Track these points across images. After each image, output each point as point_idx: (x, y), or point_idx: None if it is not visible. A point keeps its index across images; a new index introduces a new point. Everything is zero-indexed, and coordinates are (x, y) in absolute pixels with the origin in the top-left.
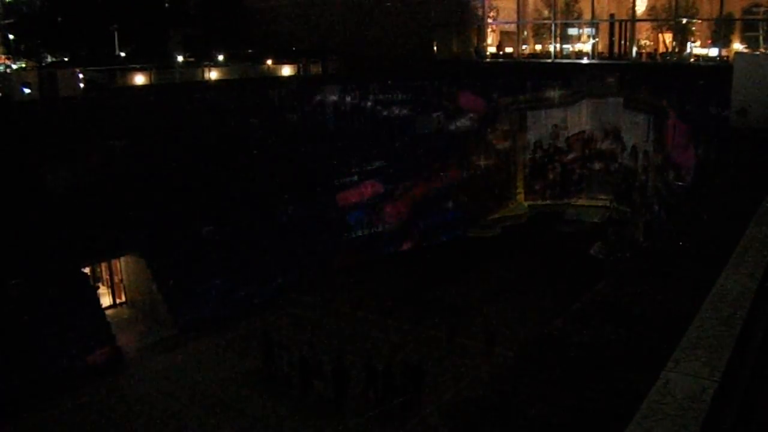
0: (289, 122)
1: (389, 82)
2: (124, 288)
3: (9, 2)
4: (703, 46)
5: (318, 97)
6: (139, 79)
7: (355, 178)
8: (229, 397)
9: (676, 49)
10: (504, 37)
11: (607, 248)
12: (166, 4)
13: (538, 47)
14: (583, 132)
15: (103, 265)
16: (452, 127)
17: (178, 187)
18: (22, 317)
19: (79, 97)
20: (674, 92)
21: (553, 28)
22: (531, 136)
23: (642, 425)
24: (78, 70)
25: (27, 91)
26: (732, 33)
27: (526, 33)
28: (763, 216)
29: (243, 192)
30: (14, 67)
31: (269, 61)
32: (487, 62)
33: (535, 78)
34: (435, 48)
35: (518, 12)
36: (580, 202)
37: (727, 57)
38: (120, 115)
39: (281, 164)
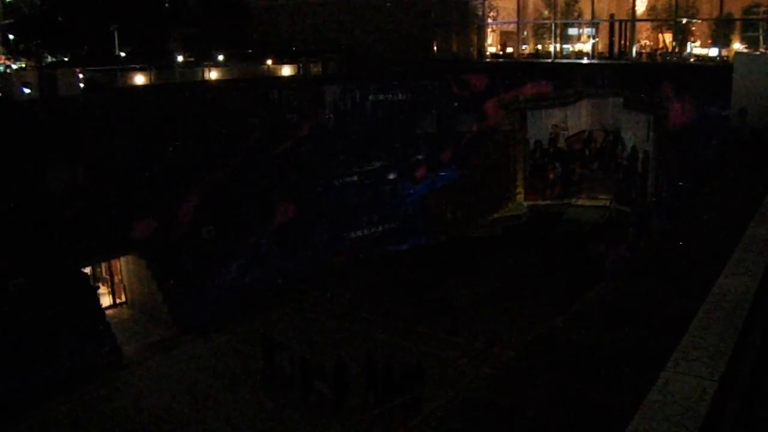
0: (288, 122)
1: (389, 82)
2: (124, 288)
3: (9, 2)
4: (703, 46)
5: (318, 97)
6: (139, 79)
7: (355, 178)
8: (229, 397)
9: (676, 49)
10: (504, 37)
11: (607, 248)
12: (166, 4)
13: (538, 47)
14: (583, 132)
15: (103, 265)
16: (452, 127)
17: (178, 186)
18: (22, 317)
19: (79, 97)
20: (675, 92)
21: (553, 28)
22: (531, 136)
23: (642, 425)
24: (78, 70)
25: (27, 91)
26: (732, 33)
27: (526, 33)
28: (763, 216)
29: (243, 192)
30: (14, 67)
31: (269, 61)
32: (487, 62)
33: (535, 78)
34: (435, 48)
35: (518, 12)
36: (580, 202)
37: (727, 57)
38: (120, 115)
39: (281, 164)
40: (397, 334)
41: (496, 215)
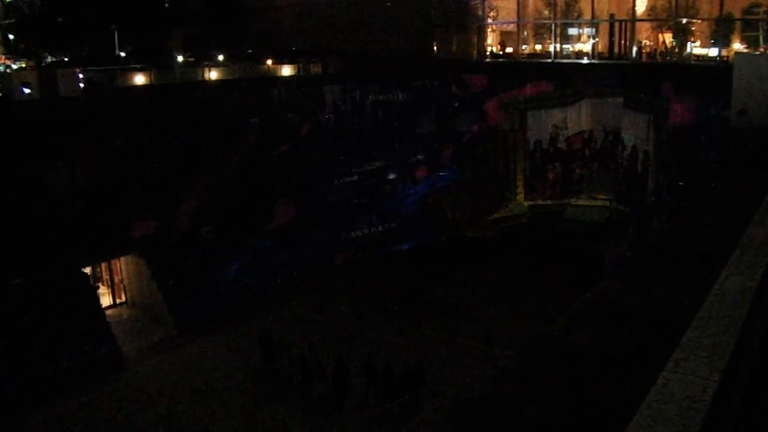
0: (289, 122)
1: (389, 82)
2: (124, 288)
3: (9, 2)
4: (703, 46)
5: (318, 97)
6: (139, 79)
7: (355, 178)
8: (229, 397)
9: (676, 49)
10: (504, 37)
11: (607, 248)
12: (166, 4)
13: (538, 47)
14: (583, 132)
15: (103, 265)
16: (452, 127)
17: (178, 186)
18: (22, 317)
19: (79, 97)
20: (675, 92)
21: (553, 28)
22: (531, 136)
23: (642, 425)
24: (78, 70)
25: (27, 91)
26: (732, 33)
27: (526, 33)
28: (763, 216)
29: (243, 192)
30: (14, 67)
31: (269, 61)
32: (487, 62)
33: (536, 78)
34: (435, 48)
35: (518, 12)
36: (580, 202)
37: (727, 57)
38: (120, 115)
39: (281, 164)
40: (397, 334)
41: (496, 215)
